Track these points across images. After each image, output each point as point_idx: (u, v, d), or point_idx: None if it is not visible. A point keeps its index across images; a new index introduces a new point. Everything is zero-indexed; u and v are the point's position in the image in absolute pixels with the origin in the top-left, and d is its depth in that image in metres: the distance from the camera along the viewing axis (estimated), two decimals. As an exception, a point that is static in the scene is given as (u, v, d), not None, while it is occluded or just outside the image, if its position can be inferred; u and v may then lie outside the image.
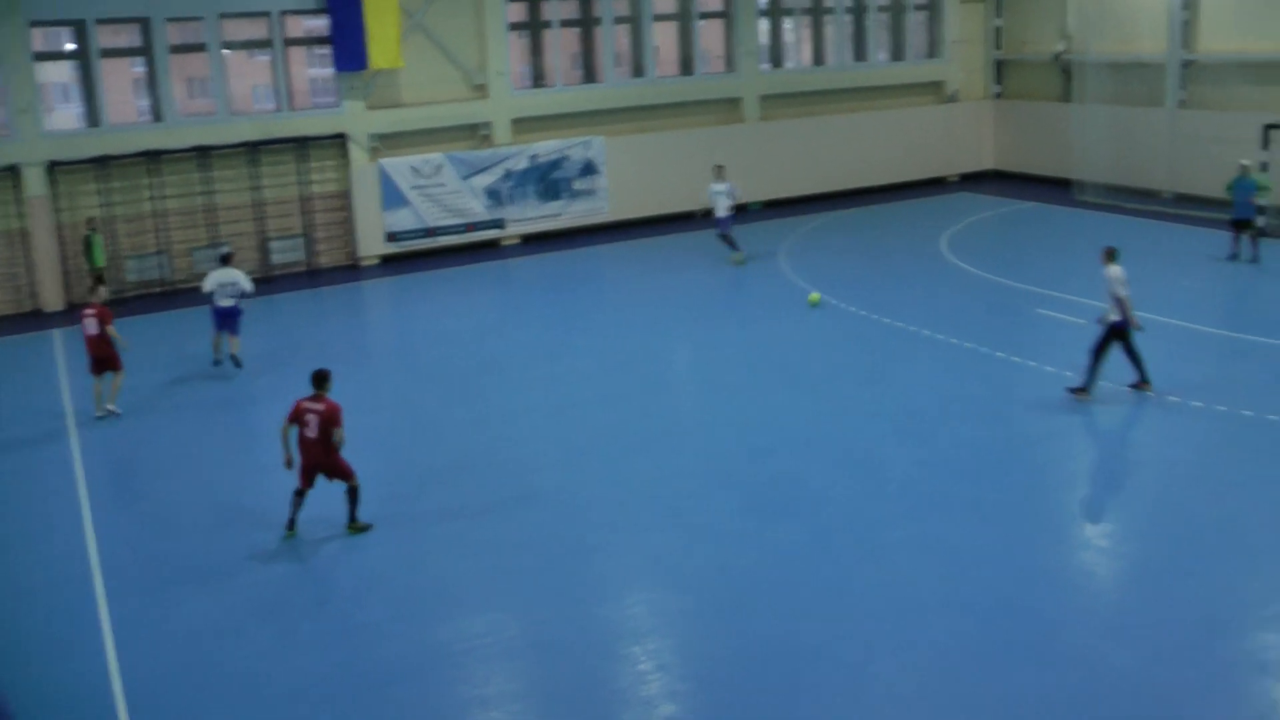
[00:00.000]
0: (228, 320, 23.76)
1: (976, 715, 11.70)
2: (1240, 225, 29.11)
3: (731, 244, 31.17)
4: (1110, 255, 20.05)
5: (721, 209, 30.90)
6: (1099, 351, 19.88)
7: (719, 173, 31.32)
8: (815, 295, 22.19)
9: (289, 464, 15.95)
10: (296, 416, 15.79)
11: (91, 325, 21.13)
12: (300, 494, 16.07)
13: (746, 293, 28.63)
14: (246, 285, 23.95)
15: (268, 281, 31.02)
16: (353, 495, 16.09)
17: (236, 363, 23.68)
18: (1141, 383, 20.18)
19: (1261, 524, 15.61)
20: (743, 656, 12.93)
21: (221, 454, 19.78)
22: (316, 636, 13.78)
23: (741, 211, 31.81)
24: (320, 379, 15.96)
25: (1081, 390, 20.05)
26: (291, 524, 16.14)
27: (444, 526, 16.48)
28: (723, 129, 38.46)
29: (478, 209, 34.38)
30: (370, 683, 12.68)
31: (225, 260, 24.27)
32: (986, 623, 13.40)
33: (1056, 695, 11.95)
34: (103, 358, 21.26)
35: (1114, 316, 19.67)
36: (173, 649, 13.57)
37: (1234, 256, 29.20)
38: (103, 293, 22.18)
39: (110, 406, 21.37)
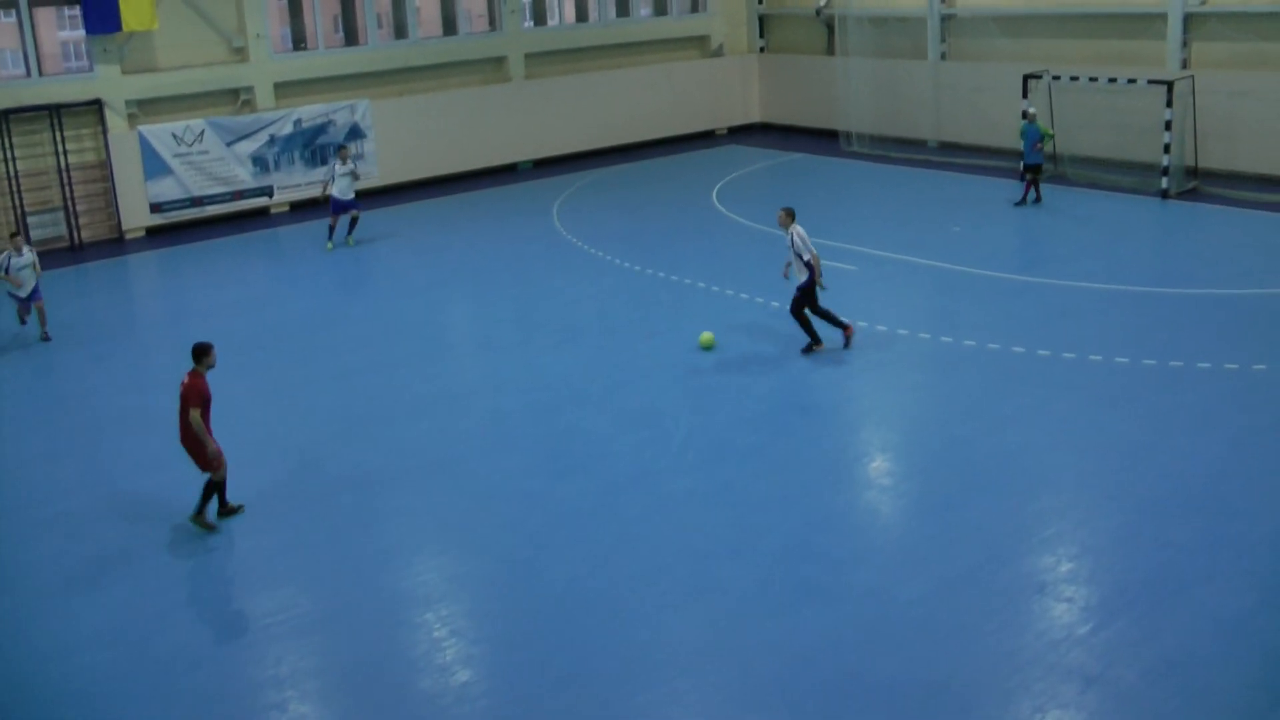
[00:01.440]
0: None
1: (772, 657, 11.86)
2: (1031, 170, 30.06)
3: (347, 228, 30.09)
4: (790, 216, 19.93)
5: (346, 191, 29.53)
6: (800, 313, 20.10)
7: (343, 155, 29.99)
8: (708, 335, 21.10)
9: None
10: None
11: None
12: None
13: (521, 253, 28.41)
14: None
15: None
16: (208, 488, 15.09)
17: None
18: (813, 345, 20.33)
19: (1036, 454, 16.24)
20: (537, 616, 12.87)
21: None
22: (100, 631, 13.14)
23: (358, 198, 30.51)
24: (193, 352, 14.98)
25: (812, 346, 20.29)
26: (222, 504, 15.42)
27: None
28: (489, 88, 38.11)
29: (244, 176, 33.40)
30: (161, 672, 12.22)
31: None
32: (776, 566, 13.62)
33: (850, 630, 12.23)
34: None
35: (801, 277, 19.77)
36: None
37: (1036, 200, 30.20)
38: None
39: None
